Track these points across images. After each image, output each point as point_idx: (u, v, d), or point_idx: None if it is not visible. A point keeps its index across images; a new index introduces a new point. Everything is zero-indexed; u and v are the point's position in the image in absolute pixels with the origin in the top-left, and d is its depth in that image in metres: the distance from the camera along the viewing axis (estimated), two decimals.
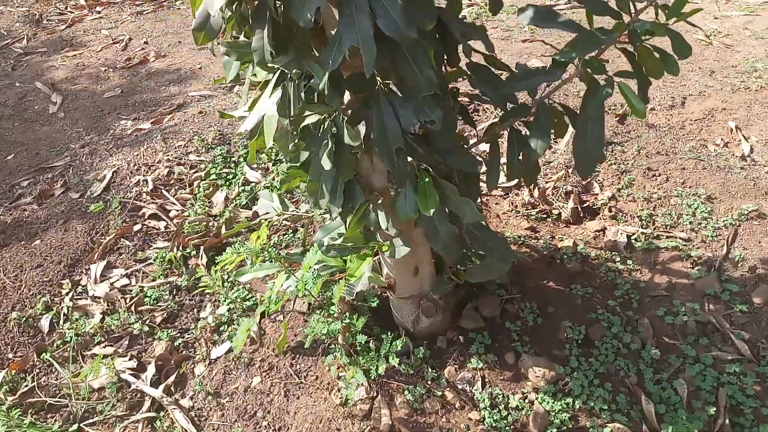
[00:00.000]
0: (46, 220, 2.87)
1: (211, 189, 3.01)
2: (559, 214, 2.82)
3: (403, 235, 1.63)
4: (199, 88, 4.02)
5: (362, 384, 1.92)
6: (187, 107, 3.74)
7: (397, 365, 2.00)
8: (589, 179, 3.00)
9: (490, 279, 1.96)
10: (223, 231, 2.76)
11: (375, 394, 1.98)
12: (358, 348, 2.01)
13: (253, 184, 3.05)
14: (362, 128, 1.54)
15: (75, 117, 3.82)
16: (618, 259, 2.53)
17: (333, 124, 1.42)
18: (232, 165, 3.17)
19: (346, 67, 1.40)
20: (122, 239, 2.76)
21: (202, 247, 2.65)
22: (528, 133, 1.76)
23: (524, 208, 2.86)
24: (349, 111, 1.42)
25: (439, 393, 2.00)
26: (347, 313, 1.99)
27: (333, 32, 1.39)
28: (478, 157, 1.83)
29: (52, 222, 2.86)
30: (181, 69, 4.31)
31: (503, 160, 1.80)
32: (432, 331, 2.17)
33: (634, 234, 2.66)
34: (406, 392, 1.98)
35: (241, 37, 1.59)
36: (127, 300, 2.44)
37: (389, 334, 2.02)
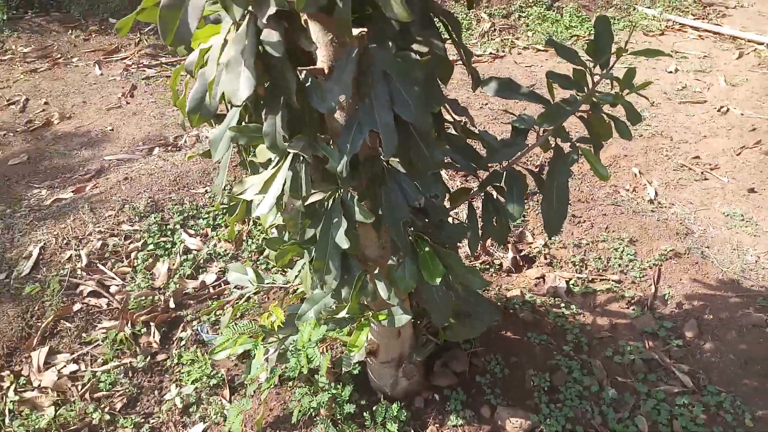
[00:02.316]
0: None
1: (150, 260, 2.89)
2: (501, 264, 2.96)
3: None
4: (114, 151, 3.86)
5: None
6: (108, 172, 3.58)
7: None
8: (521, 229, 3.19)
9: (470, 337, 2.03)
10: (171, 303, 2.65)
11: None
12: (343, 419, 2.00)
13: (194, 252, 2.96)
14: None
15: None
16: (562, 304, 2.70)
17: (341, 201, 1.45)
18: (169, 233, 3.06)
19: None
20: (62, 321, 2.57)
21: (152, 324, 2.53)
22: (497, 196, 1.89)
23: (468, 260, 2.98)
24: (356, 189, 1.46)
25: None
26: (332, 383, 1.98)
27: (341, 118, 1.44)
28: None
29: None
30: (90, 131, 4.12)
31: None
32: (409, 391, 2.19)
33: (571, 279, 2.84)
34: None
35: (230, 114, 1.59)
36: (80, 387, 2.28)
37: (379, 402, 2.02)
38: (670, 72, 4.84)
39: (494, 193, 1.87)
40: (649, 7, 5.99)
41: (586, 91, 1.77)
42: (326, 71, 1.36)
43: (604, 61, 1.76)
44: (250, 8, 1.15)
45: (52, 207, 3.26)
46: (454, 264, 1.57)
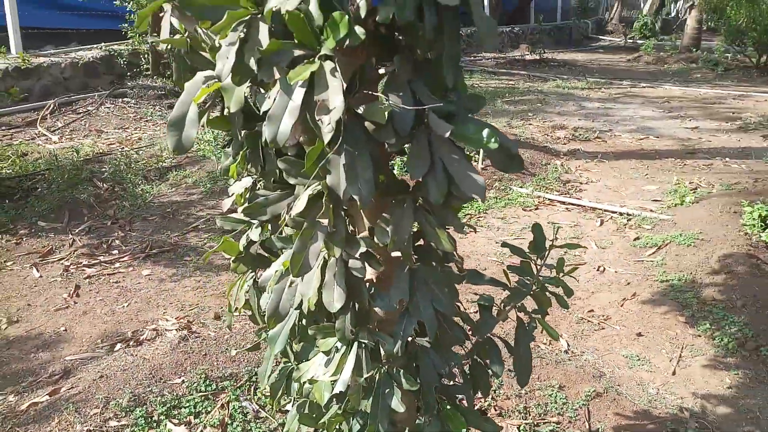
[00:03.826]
0: None
1: None
2: None
3: None
4: (74, 351, 4.03)
5: None
6: (76, 372, 3.74)
7: None
8: None
9: None
10: None
11: None
12: None
13: None
14: None
15: None
16: None
17: (388, 374, 1.94)
18: (155, 424, 3.27)
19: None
20: None
21: None
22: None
23: None
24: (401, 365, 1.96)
25: None
26: None
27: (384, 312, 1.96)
28: None
29: None
30: (43, 333, 4.26)
31: None
32: None
33: (519, 425, 3.36)
34: None
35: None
36: None
37: None
38: (552, 238, 5.81)
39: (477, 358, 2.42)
40: (521, 187, 7.19)
41: (532, 276, 2.44)
42: (374, 280, 1.92)
43: (541, 255, 2.46)
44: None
45: (30, 411, 3.36)
46: (471, 415, 2.06)
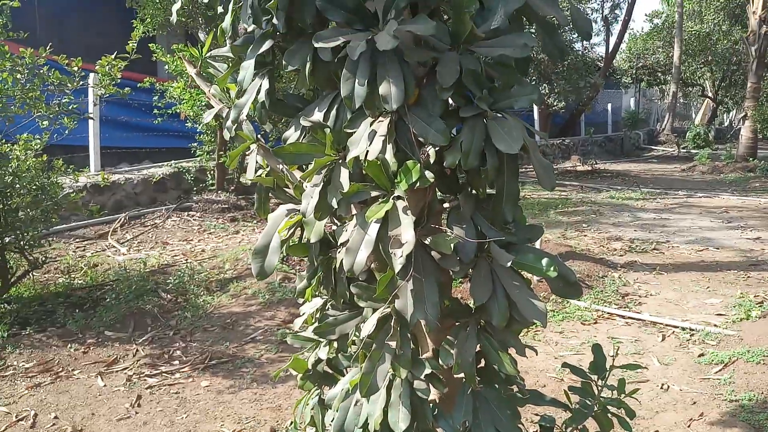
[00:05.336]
0: None
1: None
2: None
3: None
4: None
5: None
6: None
7: None
8: None
9: None
10: None
11: None
12: None
13: None
14: None
15: None
16: None
17: None
18: None
19: None
20: None
21: None
22: None
23: None
24: None
25: None
26: None
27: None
28: None
29: None
30: None
31: None
32: None
33: None
34: None
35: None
36: None
37: None
38: (612, 356, 5.69)
39: None
40: (579, 300, 7.12)
41: (594, 397, 2.45)
42: (437, 401, 1.98)
43: (602, 375, 2.48)
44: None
45: None
46: None
